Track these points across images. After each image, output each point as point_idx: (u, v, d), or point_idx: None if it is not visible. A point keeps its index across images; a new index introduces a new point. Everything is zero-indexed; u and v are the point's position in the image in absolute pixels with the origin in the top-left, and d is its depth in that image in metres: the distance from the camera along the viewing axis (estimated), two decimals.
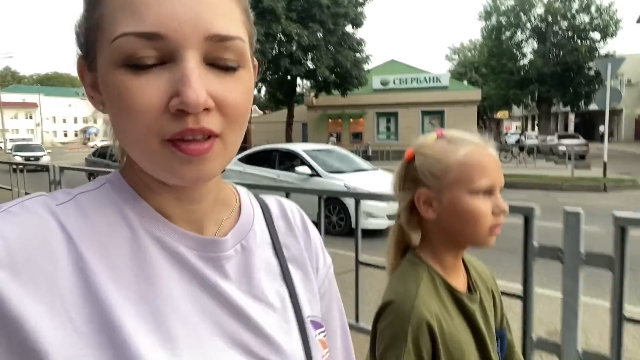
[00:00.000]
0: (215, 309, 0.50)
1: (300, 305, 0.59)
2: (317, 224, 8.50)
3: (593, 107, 29.28)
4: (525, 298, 2.15)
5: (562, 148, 23.93)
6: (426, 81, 27.46)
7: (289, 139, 21.60)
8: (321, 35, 19.05)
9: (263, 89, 23.40)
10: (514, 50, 31.54)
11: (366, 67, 22.15)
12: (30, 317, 0.40)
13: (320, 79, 19.80)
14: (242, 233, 0.57)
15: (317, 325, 0.60)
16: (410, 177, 0.97)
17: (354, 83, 20.96)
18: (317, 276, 0.65)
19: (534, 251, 2.11)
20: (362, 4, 20.42)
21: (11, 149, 22.06)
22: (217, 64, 0.44)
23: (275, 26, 17.14)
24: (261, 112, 35.88)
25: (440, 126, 26.09)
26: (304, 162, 8.17)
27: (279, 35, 17.39)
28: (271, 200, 0.66)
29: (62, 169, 5.22)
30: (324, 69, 19.10)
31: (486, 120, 55.28)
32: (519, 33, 31.90)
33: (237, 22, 0.46)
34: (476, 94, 27.46)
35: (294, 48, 18.15)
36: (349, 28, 20.60)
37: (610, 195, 11.81)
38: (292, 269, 0.61)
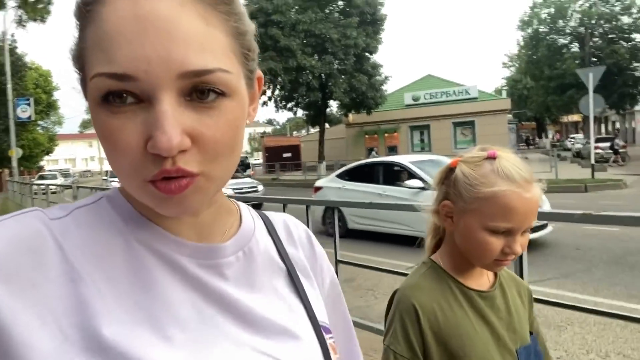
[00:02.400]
0: (217, 314, 0.50)
1: (312, 308, 0.59)
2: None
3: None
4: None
5: (597, 151, 24.21)
6: (455, 94, 28.91)
7: (320, 157, 24.25)
8: (336, 65, 21.73)
9: (299, 112, 26.37)
10: (552, 56, 31.66)
11: (386, 86, 24.43)
12: (20, 327, 0.39)
13: (337, 102, 22.46)
14: (244, 240, 0.57)
15: (327, 330, 0.60)
16: (447, 182, 0.98)
17: (370, 104, 23.23)
18: (323, 287, 0.66)
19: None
20: (374, 35, 22.80)
21: (107, 176, 26.28)
22: (197, 97, 0.43)
23: (291, 61, 20.17)
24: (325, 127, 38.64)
25: (472, 136, 27.58)
26: (412, 175, 7.41)
27: (294, 68, 20.45)
28: (273, 214, 0.67)
29: None
30: (340, 93, 21.72)
31: (545, 126, 53.60)
32: (559, 39, 31.96)
33: (218, 52, 0.43)
34: (505, 103, 28.41)
35: (310, 78, 21.02)
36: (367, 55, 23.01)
37: (587, 195, 13.05)
38: (299, 274, 0.61)
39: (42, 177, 29.83)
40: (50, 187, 12.00)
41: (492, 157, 0.93)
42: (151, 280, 0.47)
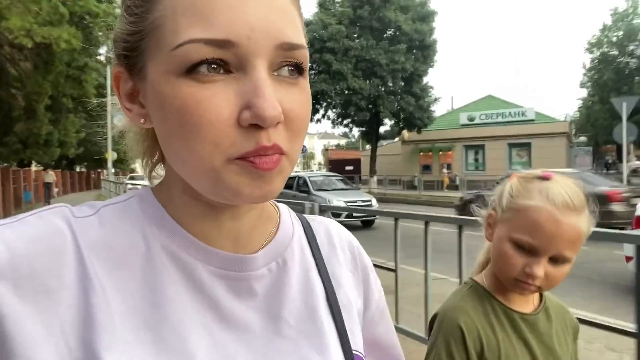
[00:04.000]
0: (230, 341, 0.46)
1: (347, 333, 0.53)
2: None
3: None
4: None
5: None
6: (511, 115, 29.18)
7: (372, 171, 25.93)
8: (383, 88, 23.62)
9: (354, 129, 28.34)
10: (618, 80, 30.76)
11: (435, 107, 25.86)
12: (25, 337, 0.37)
13: (380, 124, 24.43)
14: (279, 250, 0.52)
15: (359, 359, 0.54)
16: (497, 196, 0.98)
17: (417, 124, 24.65)
18: (370, 303, 0.62)
19: None
20: (424, 59, 24.30)
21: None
22: (283, 74, 0.42)
23: (342, 83, 22.28)
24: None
25: (528, 157, 27.65)
26: None
27: (345, 90, 22.66)
28: (315, 219, 0.63)
29: None
30: (387, 113, 23.43)
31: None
32: (630, 61, 30.98)
33: (301, 30, 0.44)
34: (563, 126, 28.22)
35: (359, 99, 23.01)
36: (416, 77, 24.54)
37: None
38: (337, 291, 0.56)
39: (132, 178, 34.28)
40: (137, 186, 14.22)
41: (545, 178, 0.92)
42: (165, 295, 0.44)
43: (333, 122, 27.27)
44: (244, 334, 0.47)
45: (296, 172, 16.03)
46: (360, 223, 11.89)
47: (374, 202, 12.28)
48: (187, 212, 0.48)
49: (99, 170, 42.49)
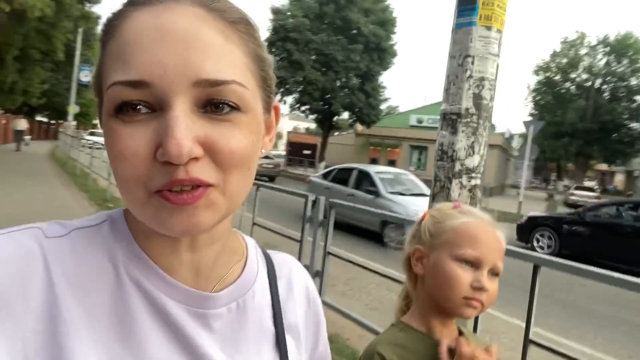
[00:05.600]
0: None
1: None
2: None
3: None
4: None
5: (573, 198, 26.73)
6: None
7: (320, 158, 27.99)
8: (337, 82, 25.71)
9: (310, 116, 30.24)
10: (556, 104, 33.88)
11: (384, 106, 28.17)
12: None
13: (334, 114, 26.55)
14: (241, 291, 0.54)
15: None
16: (417, 234, 1.03)
17: (366, 119, 26.88)
18: (316, 347, 0.65)
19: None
20: (379, 61, 26.41)
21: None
22: (211, 110, 0.42)
23: (300, 73, 24.13)
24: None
25: None
26: None
27: (302, 79, 24.68)
28: (278, 258, 0.65)
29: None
30: (338, 105, 25.49)
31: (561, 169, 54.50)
32: (571, 87, 34.09)
33: (235, 66, 0.44)
34: (498, 139, 30.99)
35: (314, 89, 24.99)
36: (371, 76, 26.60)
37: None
38: (288, 338, 0.59)
39: (92, 134, 34.91)
40: (97, 144, 13.97)
41: (457, 207, 1.02)
42: (132, 326, 0.45)
43: (291, 107, 29.13)
44: None
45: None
46: None
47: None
48: (152, 241, 0.49)
49: (61, 121, 42.63)
